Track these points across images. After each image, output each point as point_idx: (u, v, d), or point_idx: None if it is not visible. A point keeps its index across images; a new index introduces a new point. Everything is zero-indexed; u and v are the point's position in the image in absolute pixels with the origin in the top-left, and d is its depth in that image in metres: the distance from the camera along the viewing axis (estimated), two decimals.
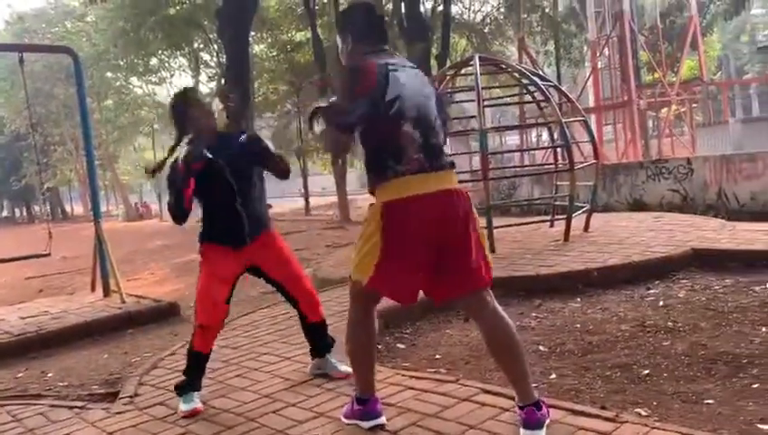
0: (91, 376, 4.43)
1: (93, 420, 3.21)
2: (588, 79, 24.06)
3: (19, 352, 5.19)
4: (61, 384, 4.31)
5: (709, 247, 5.59)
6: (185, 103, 3.31)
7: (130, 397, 3.47)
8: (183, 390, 3.23)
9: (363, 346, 2.71)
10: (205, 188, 3.21)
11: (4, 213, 51.21)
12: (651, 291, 4.82)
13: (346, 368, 3.30)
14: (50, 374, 4.60)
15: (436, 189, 2.50)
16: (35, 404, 3.67)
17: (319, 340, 3.47)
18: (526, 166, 14.83)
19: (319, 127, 2.57)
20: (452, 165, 2.62)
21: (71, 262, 12.60)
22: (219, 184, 3.21)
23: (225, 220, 3.26)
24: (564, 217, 7.02)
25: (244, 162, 3.27)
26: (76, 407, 3.49)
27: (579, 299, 4.81)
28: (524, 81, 7.86)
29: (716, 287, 4.72)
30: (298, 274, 3.44)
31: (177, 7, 20.57)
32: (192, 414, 3.09)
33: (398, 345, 4.23)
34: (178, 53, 24.85)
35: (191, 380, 3.26)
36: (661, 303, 4.47)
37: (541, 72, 11.38)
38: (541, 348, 3.78)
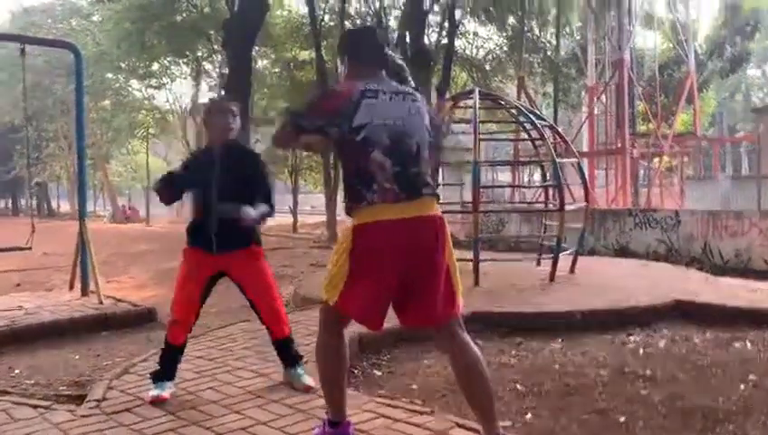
0: (59, 376, 4.33)
1: (57, 422, 3.12)
2: (584, 123, 24.34)
3: None
4: (27, 382, 4.20)
5: (692, 300, 5.61)
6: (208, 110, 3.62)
7: (98, 401, 3.38)
8: (157, 377, 3.43)
9: (334, 369, 2.68)
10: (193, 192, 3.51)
11: None
12: (632, 338, 4.81)
13: (308, 380, 3.45)
14: (17, 371, 4.49)
15: (408, 216, 2.50)
16: None
17: (285, 354, 3.61)
18: (517, 203, 14.90)
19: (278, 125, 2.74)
20: (434, 194, 2.61)
21: (52, 258, 12.42)
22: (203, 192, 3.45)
23: (201, 226, 3.47)
24: (551, 256, 7.03)
25: (230, 178, 3.40)
26: (41, 407, 3.39)
27: (560, 340, 4.79)
28: (522, 118, 7.94)
29: (697, 340, 4.72)
30: (271, 297, 3.57)
31: (184, 14, 20.66)
32: (157, 400, 3.29)
33: (375, 372, 4.18)
34: (181, 60, 24.89)
35: (165, 369, 3.46)
36: (641, 351, 4.46)
37: (535, 111, 11.49)
38: (518, 387, 3.74)
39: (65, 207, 40.90)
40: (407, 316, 2.62)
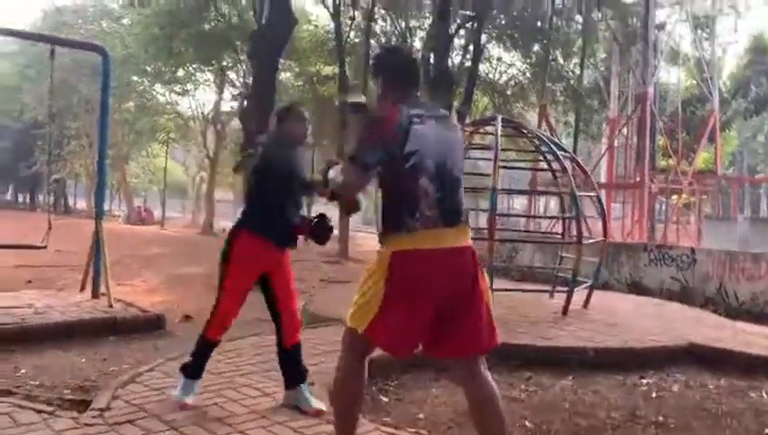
0: (65, 379, 4.30)
1: (59, 429, 3.09)
2: (603, 155, 24.24)
3: None
4: (32, 383, 4.18)
5: (708, 345, 5.49)
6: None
7: (101, 410, 3.34)
8: (190, 371, 3.46)
9: (353, 398, 2.62)
10: (275, 185, 3.46)
11: (8, 197, 51.18)
12: (645, 380, 4.71)
13: (319, 404, 3.38)
14: (23, 370, 4.47)
15: (449, 246, 2.48)
16: (2, 401, 3.54)
17: (293, 366, 3.54)
18: (532, 232, 14.82)
19: (332, 174, 2.61)
20: (467, 221, 2.61)
21: (65, 256, 12.45)
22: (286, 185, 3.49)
23: (279, 219, 3.48)
24: (565, 289, 6.93)
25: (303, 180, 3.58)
26: (45, 411, 3.36)
27: (570, 378, 4.69)
28: (543, 148, 7.89)
29: (711, 387, 4.62)
30: (294, 301, 3.62)
31: (212, 23, 20.91)
32: (183, 407, 3.33)
33: (382, 398, 4.11)
34: (206, 68, 25.16)
35: (198, 364, 3.50)
36: (654, 394, 4.37)
37: (557, 141, 11.45)
38: (527, 424, 3.67)
39: (81, 204, 41.26)
40: (444, 346, 2.52)
